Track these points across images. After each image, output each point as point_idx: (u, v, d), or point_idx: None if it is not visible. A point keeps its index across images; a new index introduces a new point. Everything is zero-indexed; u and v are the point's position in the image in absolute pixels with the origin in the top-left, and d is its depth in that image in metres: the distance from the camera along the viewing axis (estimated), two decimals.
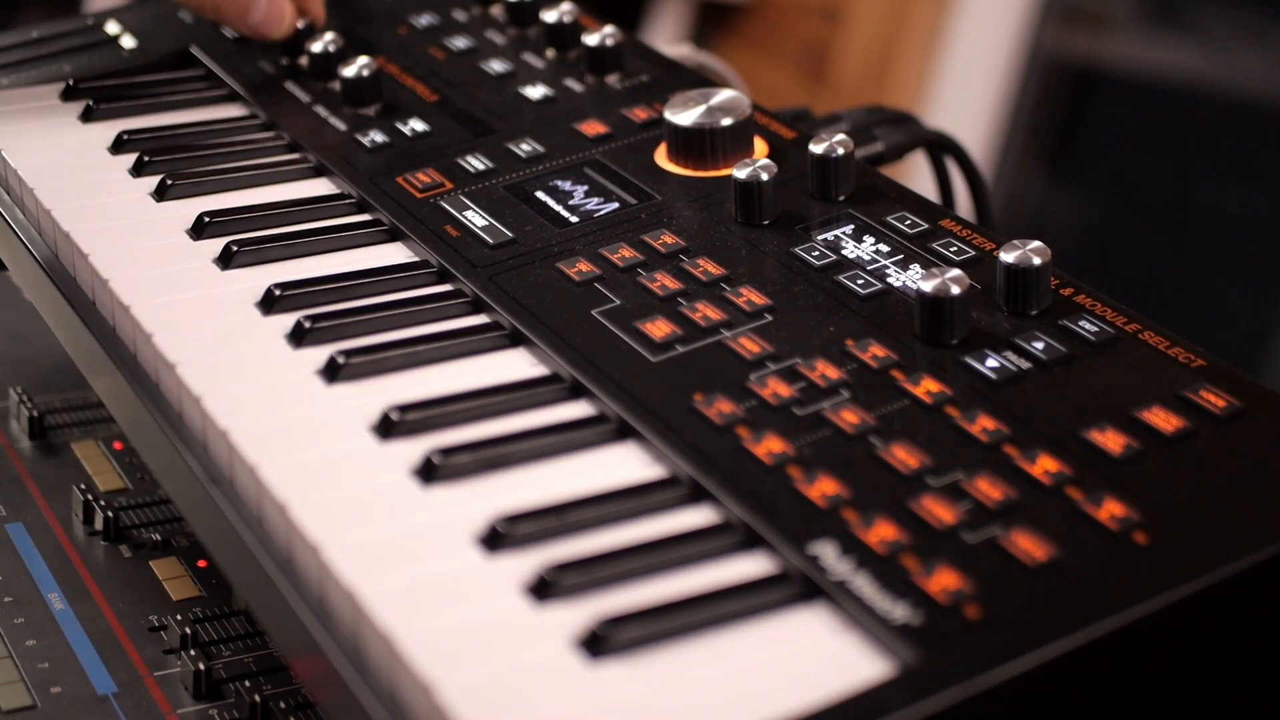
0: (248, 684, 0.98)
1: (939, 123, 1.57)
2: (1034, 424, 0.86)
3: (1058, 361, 0.91)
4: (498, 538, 0.82)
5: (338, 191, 1.16)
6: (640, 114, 1.19)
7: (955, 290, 0.92)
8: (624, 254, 1.03)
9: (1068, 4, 3.25)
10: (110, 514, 1.11)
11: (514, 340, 0.99)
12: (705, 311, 0.97)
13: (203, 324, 1.00)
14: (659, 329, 0.96)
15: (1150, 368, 0.90)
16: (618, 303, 0.99)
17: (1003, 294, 0.95)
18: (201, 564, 1.08)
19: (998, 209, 3.00)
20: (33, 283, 1.14)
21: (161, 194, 1.15)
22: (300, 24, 1.32)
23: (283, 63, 1.32)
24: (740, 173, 1.05)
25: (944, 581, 0.77)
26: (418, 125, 1.21)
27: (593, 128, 1.18)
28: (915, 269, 0.99)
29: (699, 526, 0.83)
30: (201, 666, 0.97)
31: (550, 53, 1.30)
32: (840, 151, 1.06)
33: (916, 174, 2.29)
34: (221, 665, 0.99)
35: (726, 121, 1.11)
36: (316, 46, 1.28)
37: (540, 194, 1.12)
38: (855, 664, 0.75)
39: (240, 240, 1.07)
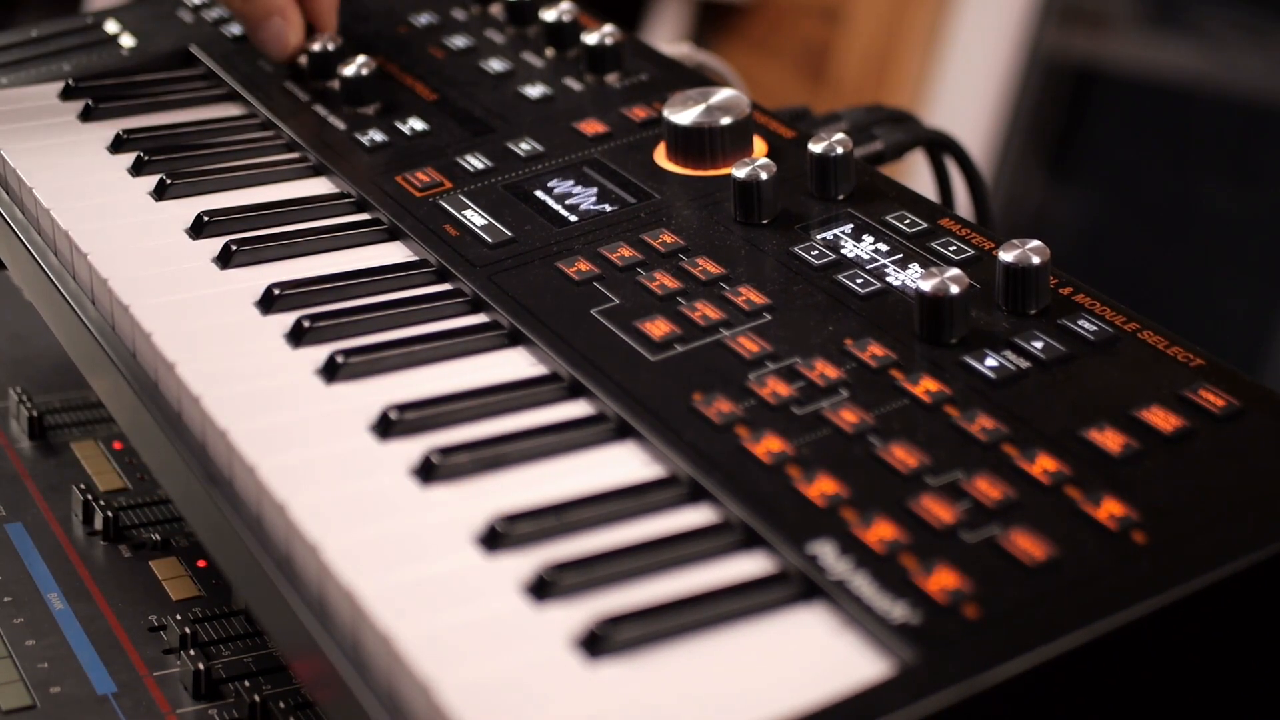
0: (248, 684, 0.98)
1: (939, 122, 1.57)
2: (1033, 423, 0.86)
3: (1057, 361, 0.91)
4: (497, 537, 0.82)
5: (337, 191, 1.16)
6: (639, 113, 1.19)
7: (954, 289, 0.92)
8: (623, 253, 1.03)
9: (1068, 4, 3.25)
10: (110, 514, 1.11)
11: (513, 339, 0.99)
12: (704, 311, 0.97)
13: (202, 323, 1.00)
14: (658, 328, 0.96)
15: (1149, 367, 0.90)
16: (617, 302, 0.99)
17: (1002, 293, 0.95)
18: (201, 564, 1.08)
19: (997, 209, 3.00)
20: (33, 283, 1.13)
21: (161, 193, 1.15)
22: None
23: None
24: (739, 172, 1.05)
25: (943, 581, 0.77)
26: (417, 124, 1.21)
27: (592, 127, 1.18)
28: (914, 268, 0.99)
29: (698, 526, 0.83)
30: (201, 666, 0.97)
31: (550, 52, 1.30)
32: (839, 151, 1.06)
33: (916, 174, 2.29)
34: (221, 665, 0.99)
35: (726, 121, 1.11)
36: (316, 46, 1.28)
37: (539, 193, 1.12)
38: (854, 664, 0.75)
39: (239, 240, 1.07)
